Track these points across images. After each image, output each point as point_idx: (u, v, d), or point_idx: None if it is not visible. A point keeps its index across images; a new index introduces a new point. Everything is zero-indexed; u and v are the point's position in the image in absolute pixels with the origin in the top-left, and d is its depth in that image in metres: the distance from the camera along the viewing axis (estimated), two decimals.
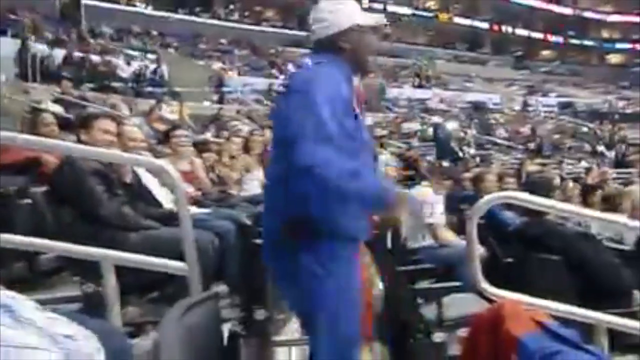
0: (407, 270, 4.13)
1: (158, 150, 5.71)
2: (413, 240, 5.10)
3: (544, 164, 15.72)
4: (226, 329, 2.38)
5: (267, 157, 2.60)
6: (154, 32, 30.00)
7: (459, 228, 4.97)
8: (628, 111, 34.51)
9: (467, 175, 7.26)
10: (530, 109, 32.78)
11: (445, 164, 6.11)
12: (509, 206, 5.03)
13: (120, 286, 2.88)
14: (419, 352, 3.31)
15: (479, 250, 3.38)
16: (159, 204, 3.99)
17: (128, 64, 19.88)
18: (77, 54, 18.14)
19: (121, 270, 2.91)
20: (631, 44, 48.50)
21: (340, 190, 2.21)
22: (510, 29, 47.25)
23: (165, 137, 5.75)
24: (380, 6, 39.98)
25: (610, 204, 5.00)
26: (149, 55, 23.15)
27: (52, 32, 20.94)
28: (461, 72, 40.27)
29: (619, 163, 17.18)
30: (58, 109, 9.10)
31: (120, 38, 27.21)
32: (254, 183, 6.38)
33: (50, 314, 1.48)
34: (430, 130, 18.56)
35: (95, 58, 18.93)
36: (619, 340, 3.12)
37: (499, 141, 21.92)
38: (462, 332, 2.71)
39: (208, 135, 10.63)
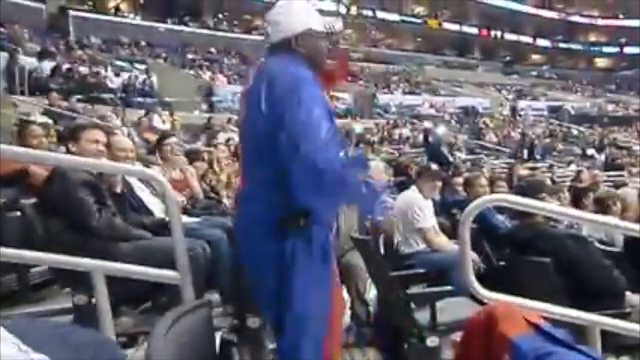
0: (400, 275, 4.12)
1: (149, 160, 5.68)
2: (406, 245, 5.09)
3: (534, 168, 15.78)
4: (219, 337, 2.37)
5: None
6: (143, 43, 29.92)
7: (452, 232, 4.98)
8: (618, 114, 34.80)
9: (459, 179, 7.26)
10: (520, 113, 32.93)
11: (434, 166, 6.09)
12: (501, 210, 5.05)
13: (112, 297, 2.87)
14: (412, 357, 3.32)
15: (472, 255, 3.39)
16: (150, 213, 3.98)
17: (117, 74, 19.84)
18: (66, 66, 18.06)
19: (113, 281, 2.89)
20: (618, 47, 48.91)
21: (344, 181, 2.25)
22: (499, 34, 47.50)
23: (156, 145, 5.73)
24: (369, 12, 40.20)
25: (602, 206, 5.01)
26: (138, 66, 23.16)
27: (40, 43, 20.87)
28: (451, 77, 40.45)
29: (609, 166, 17.26)
30: (47, 121, 9.06)
31: (108, 49, 27.14)
32: None
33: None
34: (421, 136, 18.62)
35: (83, 69, 18.88)
36: (611, 341, 3.13)
37: (489, 146, 22.01)
38: (456, 336, 2.71)
39: (199, 145, 10.61)
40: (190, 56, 30.42)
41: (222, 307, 3.62)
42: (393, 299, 3.66)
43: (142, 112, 14.93)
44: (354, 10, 39.56)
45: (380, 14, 41.16)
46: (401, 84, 34.85)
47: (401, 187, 7.02)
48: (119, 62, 23.01)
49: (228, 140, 11.22)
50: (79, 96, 15.36)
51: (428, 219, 5.13)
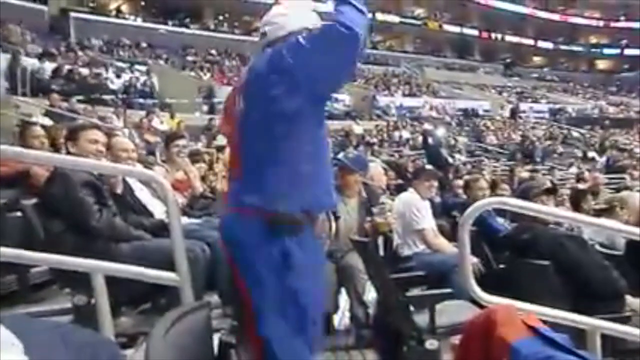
0: (400, 277, 4.12)
1: (149, 161, 5.69)
2: (405, 247, 5.08)
3: (535, 170, 15.77)
4: (217, 338, 2.37)
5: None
6: (144, 44, 29.97)
7: (452, 235, 4.97)
8: (619, 116, 34.76)
9: (459, 182, 7.27)
10: (520, 115, 32.89)
11: (429, 167, 6.07)
12: (501, 213, 5.05)
13: (112, 298, 2.87)
14: None
15: (471, 258, 3.38)
16: (150, 215, 3.98)
17: (118, 76, 19.86)
18: (67, 67, 18.07)
19: (112, 282, 2.89)
20: (619, 49, 48.92)
21: None
22: (499, 36, 47.47)
23: (165, 145, 5.70)
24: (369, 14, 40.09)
25: (609, 211, 4.97)
26: (139, 67, 23.14)
27: (42, 45, 20.88)
28: (451, 79, 40.39)
29: (610, 168, 17.23)
30: (48, 122, 9.06)
31: (109, 50, 27.19)
32: None
33: None
34: (421, 138, 18.60)
35: (84, 71, 18.90)
36: (612, 345, 3.13)
37: (490, 148, 22.00)
38: (455, 339, 2.71)
39: (199, 146, 10.62)
40: (190, 58, 30.43)
41: (222, 308, 3.62)
42: (392, 301, 3.65)
43: (143, 113, 14.94)
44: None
45: (380, 16, 41.06)
46: (401, 86, 34.80)
47: (399, 189, 7.03)
48: (119, 64, 23.03)
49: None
50: (80, 97, 15.39)
51: (427, 219, 5.12)
